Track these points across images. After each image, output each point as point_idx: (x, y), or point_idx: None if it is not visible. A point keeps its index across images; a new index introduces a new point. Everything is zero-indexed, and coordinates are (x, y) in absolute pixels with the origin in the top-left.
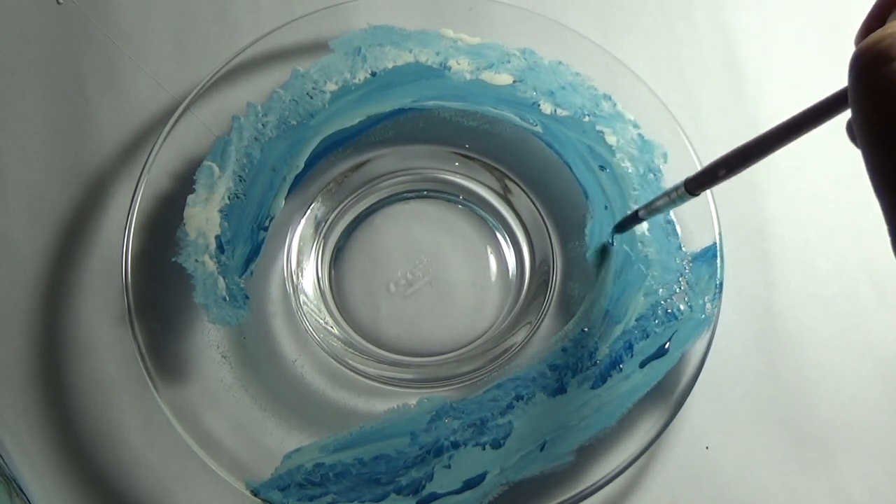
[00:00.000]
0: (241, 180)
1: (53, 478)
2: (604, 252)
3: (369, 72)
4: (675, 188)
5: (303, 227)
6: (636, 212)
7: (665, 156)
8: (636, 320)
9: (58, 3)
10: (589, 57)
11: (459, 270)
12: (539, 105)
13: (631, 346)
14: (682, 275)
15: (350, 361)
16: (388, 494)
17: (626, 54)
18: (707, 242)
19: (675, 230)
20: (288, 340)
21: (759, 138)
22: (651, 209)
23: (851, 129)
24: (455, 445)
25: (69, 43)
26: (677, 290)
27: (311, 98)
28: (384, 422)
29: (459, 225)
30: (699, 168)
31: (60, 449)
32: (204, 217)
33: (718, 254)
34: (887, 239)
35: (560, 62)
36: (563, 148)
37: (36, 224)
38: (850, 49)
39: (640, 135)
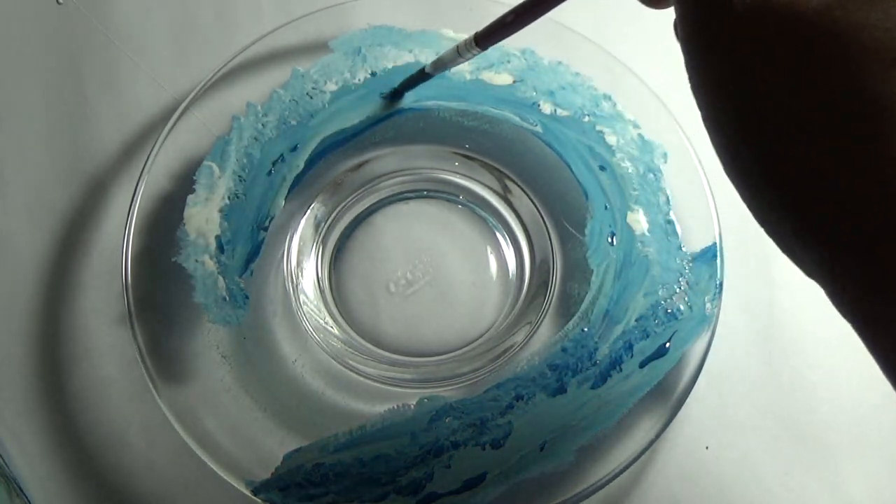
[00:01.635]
0: (241, 180)
1: (53, 478)
2: (394, 97)
3: (369, 72)
4: (465, 41)
5: (303, 227)
6: (422, 69)
7: (665, 156)
8: (636, 320)
9: (58, 3)
10: (589, 57)
11: (459, 270)
12: (539, 105)
13: (631, 346)
14: (682, 275)
15: (350, 361)
16: (388, 494)
17: (626, 54)
18: (707, 242)
19: (675, 230)
20: (288, 340)
21: None
22: (439, 64)
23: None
24: (455, 445)
25: (69, 43)
26: (677, 290)
27: (311, 98)
28: (384, 422)
29: (459, 225)
30: (698, 166)
31: (60, 449)
32: (204, 217)
33: (718, 254)
34: None
35: (560, 62)
36: (563, 148)
37: (36, 224)
38: None
39: (640, 135)
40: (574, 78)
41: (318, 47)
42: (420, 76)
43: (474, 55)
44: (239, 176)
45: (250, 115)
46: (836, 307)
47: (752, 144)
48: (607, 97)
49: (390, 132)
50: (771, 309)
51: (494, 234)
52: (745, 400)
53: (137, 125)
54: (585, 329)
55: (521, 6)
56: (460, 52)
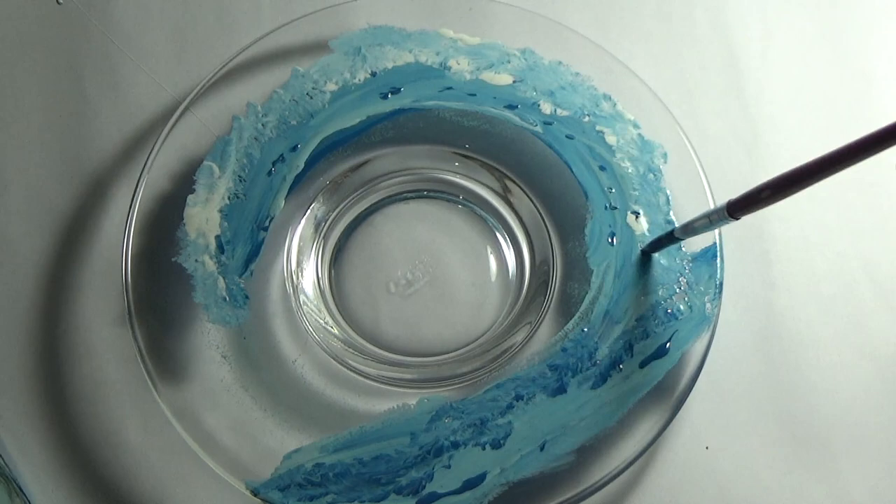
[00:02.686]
0: (241, 180)
1: (53, 478)
2: (643, 261)
3: (369, 72)
4: (716, 210)
5: (303, 227)
6: (671, 231)
7: (665, 156)
8: (636, 320)
9: (58, 2)
10: (589, 57)
11: (459, 270)
12: (539, 105)
13: (631, 346)
14: (682, 275)
15: (350, 361)
16: (388, 494)
17: (626, 54)
18: (707, 242)
19: None
20: (288, 340)
21: (811, 163)
22: (688, 229)
23: None
24: (455, 445)
25: (69, 43)
26: (677, 290)
27: (311, 98)
28: (384, 422)
29: (459, 225)
30: (698, 166)
31: (60, 449)
32: (204, 217)
33: (718, 254)
34: (887, 239)
35: (560, 62)
36: (563, 148)
37: (36, 224)
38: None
39: (640, 135)
40: (574, 78)
41: (318, 47)
42: (669, 238)
43: (727, 223)
44: (239, 176)
45: (250, 115)
46: None
47: None
48: (607, 97)
49: (390, 132)
50: (771, 309)
51: (494, 234)
52: (745, 400)
53: (137, 125)
54: (585, 329)
55: (775, 182)
56: (711, 221)
